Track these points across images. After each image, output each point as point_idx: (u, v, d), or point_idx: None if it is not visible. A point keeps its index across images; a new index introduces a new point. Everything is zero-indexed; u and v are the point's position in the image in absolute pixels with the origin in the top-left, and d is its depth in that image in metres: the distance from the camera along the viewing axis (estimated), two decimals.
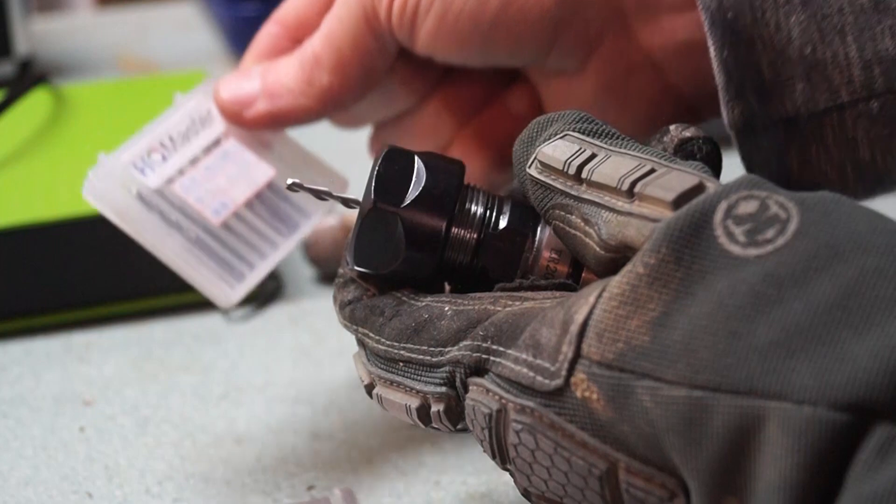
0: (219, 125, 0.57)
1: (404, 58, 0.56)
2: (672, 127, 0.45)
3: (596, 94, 0.54)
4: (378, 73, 0.56)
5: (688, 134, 0.45)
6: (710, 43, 0.48)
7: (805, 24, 0.48)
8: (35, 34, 1.11)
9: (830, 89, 0.48)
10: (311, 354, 0.66)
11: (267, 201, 0.56)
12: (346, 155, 0.93)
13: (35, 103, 0.81)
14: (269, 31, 0.59)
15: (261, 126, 0.56)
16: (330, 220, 0.72)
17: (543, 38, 0.52)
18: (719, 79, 0.48)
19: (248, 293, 0.55)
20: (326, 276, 0.73)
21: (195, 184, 0.55)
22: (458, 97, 0.59)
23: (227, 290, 0.54)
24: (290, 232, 0.57)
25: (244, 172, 0.56)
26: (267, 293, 0.71)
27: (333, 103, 0.56)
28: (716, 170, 0.44)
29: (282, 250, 0.56)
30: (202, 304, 0.70)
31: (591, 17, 0.52)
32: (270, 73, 0.56)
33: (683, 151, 0.44)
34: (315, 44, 0.55)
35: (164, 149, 0.56)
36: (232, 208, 0.55)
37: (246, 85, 0.56)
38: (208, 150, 0.57)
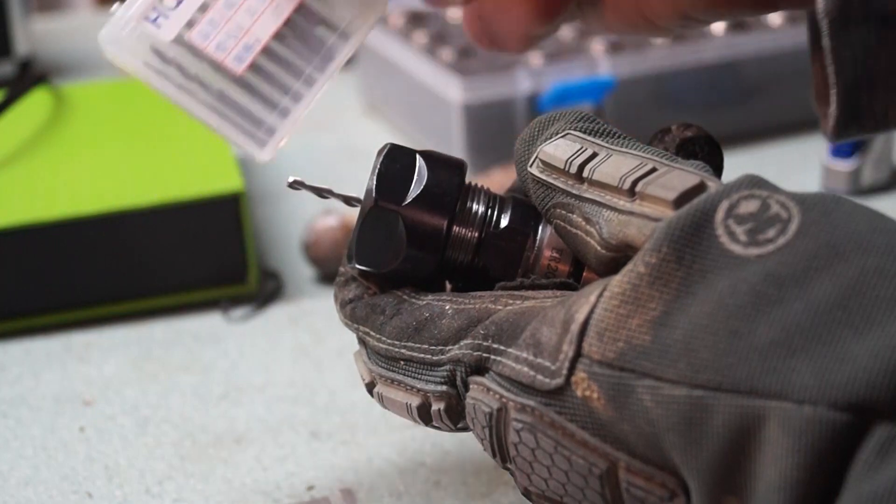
0: None
1: None
2: (673, 127, 0.45)
3: None
4: None
5: (689, 134, 0.45)
6: None
7: None
8: (35, 34, 1.11)
9: None
10: (311, 354, 0.66)
11: (297, 28, 0.50)
12: (348, 154, 0.94)
13: (35, 103, 0.81)
14: None
15: None
16: (330, 220, 0.72)
17: None
18: None
19: (285, 142, 0.50)
20: (326, 276, 0.73)
21: (213, 27, 0.49)
22: None
23: (259, 147, 0.49)
24: (326, 62, 0.50)
25: (271, 2, 0.50)
26: (267, 293, 0.71)
27: None
28: (717, 169, 0.44)
29: (318, 86, 0.50)
30: (202, 304, 0.70)
31: None
32: None
33: (685, 151, 0.44)
34: None
35: None
36: (257, 49, 0.49)
37: None
38: None
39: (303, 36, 0.50)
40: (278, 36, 0.49)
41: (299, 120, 0.49)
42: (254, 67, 0.49)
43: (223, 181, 0.70)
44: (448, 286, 0.48)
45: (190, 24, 0.49)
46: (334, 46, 0.50)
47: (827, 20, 0.44)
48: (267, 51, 0.49)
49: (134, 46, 0.50)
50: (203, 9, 0.49)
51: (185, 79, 0.49)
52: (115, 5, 0.50)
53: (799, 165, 0.85)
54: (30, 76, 0.83)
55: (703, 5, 0.49)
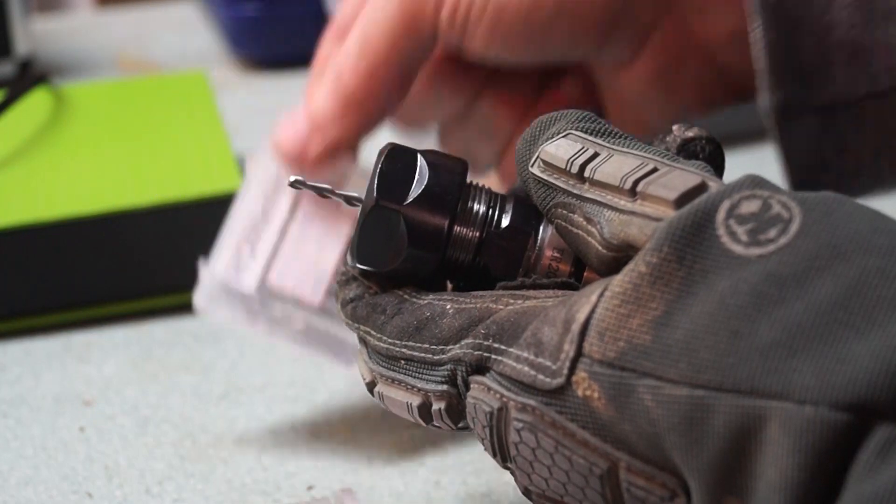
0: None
1: (447, 60, 0.57)
2: (675, 127, 0.45)
3: (649, 80, 0.56)
4: (411, 77, 0.56)
5: (690, 134, 0.45)
6: (755, 25, 0.48)
7: (851, 7, 0.48)
8: (35, 34, 1.11)
9: (871, 74, 0.48)
10: None
11: None
12: None
13: (35, 103, 0.81)
14: (325, 43, 0.58)
15: (328, 163, 0.56)
16: None
17: (599, 32, 0.54)
18: (761, 62, 0.49)
19: None
20: None
21: (288, 266, 0.53)
22: (511, 93, 0.59)
23: (346, 365, 0.54)
24: None
25: (330, 227, 0.55)
26: None
27: (376, 115, 0.55)
28: (718, 170, 0.44)
29: None
30: None
31: (644, 8, 0.53)
32: (311, 104, 0.56)
33: (686, 151, 0.44)
34: (347, 53, 0.55)
35: (250, 242, 0.54)
36: (328, 279, 0.54)
37: (296, 128, 0.56)
38: (290, 218, 0.55)
39: None
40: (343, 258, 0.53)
41: None
42: (328, 293, 0.53)
43: (223, 181, 0.70)
44: (449, 286, 0.48)
45: (267, 268, 0.52)
46: None
47: (773, 115, 0.47)
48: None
49: (224, 302, 0.53)
50: (275, 251, 0.52)
51: (273, 320, 0.53)
52: (200, 265, 0.53)
53: None
54: (30, 76, 0.83)
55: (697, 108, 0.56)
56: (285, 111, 0.58)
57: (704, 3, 0.54)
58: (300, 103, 0.57)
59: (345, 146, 0.56)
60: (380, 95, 0.55)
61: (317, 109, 0.55)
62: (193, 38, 1.15)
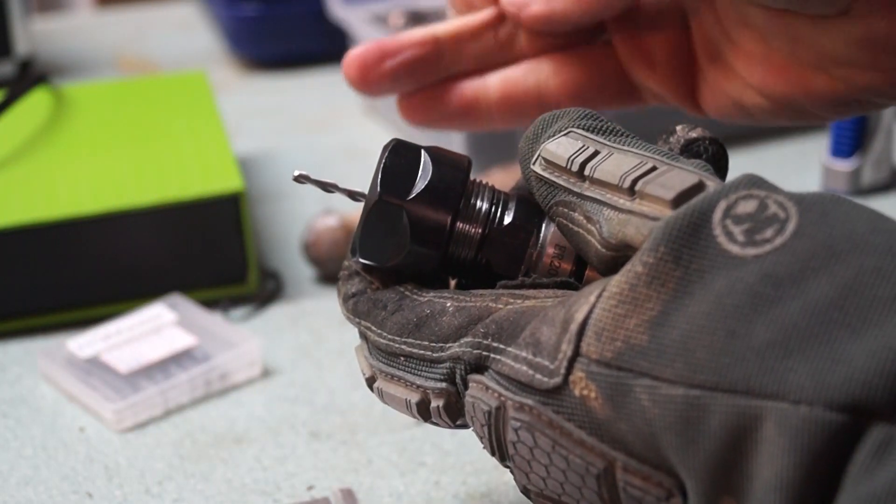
0: None
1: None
2: (679, 127, 0.45)
3: (849, 47, 0.48)
4: None
5: (694, 134, 0.45)
6: None
7: None
8: (35, 34, 1.11)
9: None
10: (311, 354, 0.66)
11: None
12: (348, 154, 0.94)
13: (35, 103, 0.81)
14: None
15: (536, 26, 0.55)
16: (330, 220, 0.72)
17: None
18: None
19: None
20: (326, 276, 0.73)
21: None
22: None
23: None
24: None
25: None
26: (267, 293, 0.71)
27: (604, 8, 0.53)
28: (722, 170, 0.44)
29: None
30: (202, 304, 0.70)
31: None
32: None
33: (689, 152, 0.44)
34: None
35: None
36: None
37: None
38: None
39: None
40: None
41: None
42: None
43: (223, 181, 0.70)
44: (452, 282, 0.48)
45: None
46: None
47: None
48: None
49: None
50: None
51: None
52: None
53: (799, 165, 0.85)
54: (30, 76, 0.83)
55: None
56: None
57: None
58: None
59: (563, 23, 0.54)
60: None
61: None
62: (193, 38, 1.16)
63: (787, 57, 0.51)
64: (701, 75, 0.55)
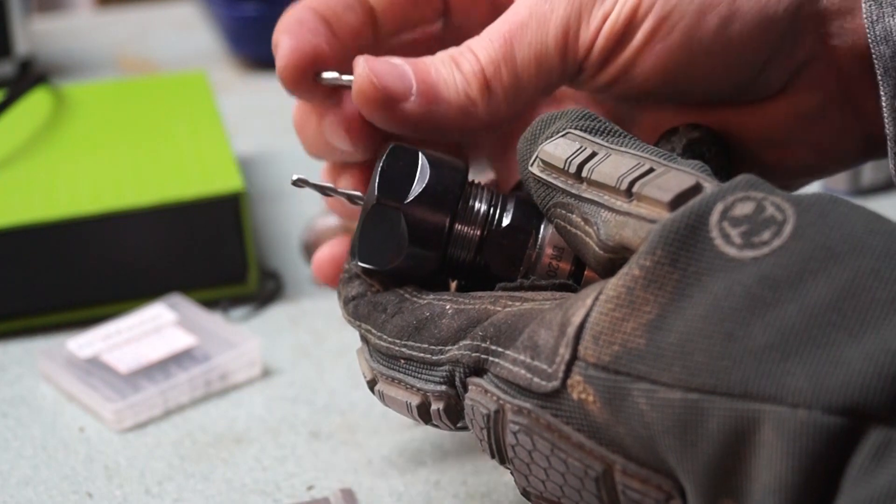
0: None
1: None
2: (681, 127, 0.45)
3: (787, 121, 0.49)
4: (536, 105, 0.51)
5: (696, 135, 0.44)
6: (881, 92, 0.46)
7: None
8: (35, 34, 1.11)
9: None
10: (311, 354, 0.66)
11: None
12: None
13: (35, 103, 0.81)
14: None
15: (410, 126, 0.48)
16: (330, 220, 0.72)
17: (764, 52, 0.47)
18: (888, 128, 0.46)
19: None
20: None
21: None
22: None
23: None
24: None
25: None
26: (267, 293, 0.71)
27: (499, 117, 0.49)
28: (724, 169, 0.44)
29: None
30: (202, 304, 0.70)
31: (809, 34, 0.48)
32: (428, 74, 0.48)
33: (691, 152, 0.44)
34: (489, 56, 0.48)
35: None
36: None
37: (399, 76, 0.47)
38: None
39: None
40: None
41: None
42: None
43: (223, 181, 0.70)
44: (453, 284, 0.48)
45: None
46: None
47: None
48: None
49: None
50: None
51: None
52: None
53: None
54: (30, 76, 0.83)
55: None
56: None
57: (851, 43, 0.48)
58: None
59: (447, 126, 0.48)
60: (511, 107, 0.48)
61: (441, 79, 0.47)
62: (193, 37, 1.15)
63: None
64: None
